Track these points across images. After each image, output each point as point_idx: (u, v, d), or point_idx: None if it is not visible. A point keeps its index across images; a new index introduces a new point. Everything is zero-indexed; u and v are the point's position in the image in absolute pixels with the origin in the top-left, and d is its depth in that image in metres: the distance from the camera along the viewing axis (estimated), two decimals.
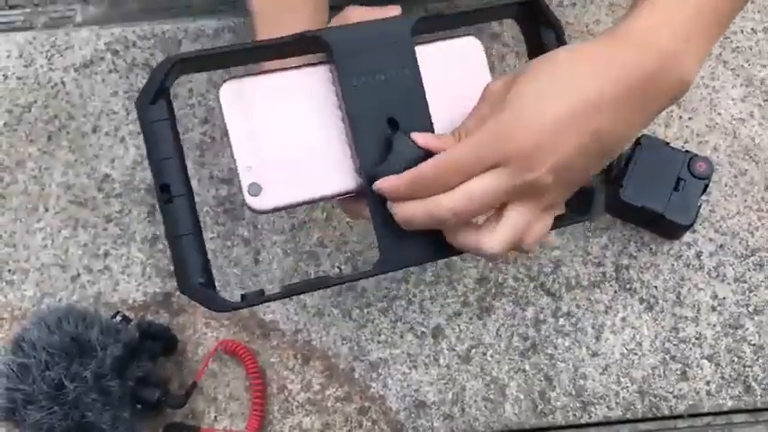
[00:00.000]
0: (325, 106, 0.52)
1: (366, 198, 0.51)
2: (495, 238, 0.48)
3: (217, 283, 0.75)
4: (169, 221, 0.49)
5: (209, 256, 0.76)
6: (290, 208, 0.51)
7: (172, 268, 0.76)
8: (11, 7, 0.96)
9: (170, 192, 0.49)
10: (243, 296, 0.51)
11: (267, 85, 0.51)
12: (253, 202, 0.50)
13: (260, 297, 0.51)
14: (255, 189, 0.50)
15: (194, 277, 0.50)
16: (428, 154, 0.49)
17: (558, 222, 0.53)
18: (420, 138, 0.50)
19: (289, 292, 0.53)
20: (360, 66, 0.51)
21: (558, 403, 0.72)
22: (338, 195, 0.52)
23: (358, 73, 0.51)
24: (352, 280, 0.55)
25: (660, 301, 0.74)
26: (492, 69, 0.82)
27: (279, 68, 0.52)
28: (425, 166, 0.47)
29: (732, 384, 0.72)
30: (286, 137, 0.51)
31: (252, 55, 0.52)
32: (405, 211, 0.48)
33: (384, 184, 0.48)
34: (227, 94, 0.50)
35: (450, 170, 0.46)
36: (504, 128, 0.46)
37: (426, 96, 0.52)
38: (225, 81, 0.50)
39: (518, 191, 0.46)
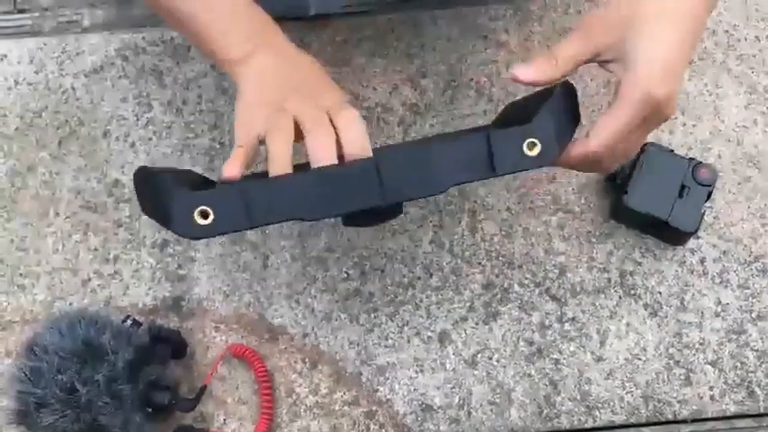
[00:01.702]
0: None
1: None
2: (618, 161, 0.59)
3: (225, 288, 0.77)
4: None
5: (217, 261, 0.77)
6: None
7: (181, 272, 0.77)
8: (19, 11, 0.97)
9: None
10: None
11: None
12: None
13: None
14: None
15: None
16: None
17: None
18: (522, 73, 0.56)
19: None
20: None
21: (563, 408, 0.73)
22: None
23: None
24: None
25: (664, 307, 0.75)
26: (498, 76, 0.83)
27: None
28: (597, 145, 0.55)
29: (735, 390, 0.73)
30: None
31: None
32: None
33: (563, 160, 0.57)
34: None
35: (614, 147, 0.55)
36: (644, 85, 0.53)
37: None
38: None
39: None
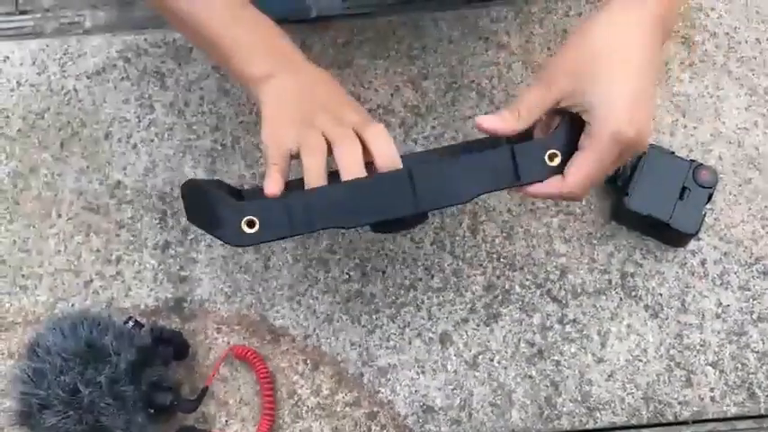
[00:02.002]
0: None
1: None
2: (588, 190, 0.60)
3: (227, 289, 0.77)
4: None
5: (218, 262, 0.77)
6: None
7: (183, 274, 0.77)
8: (21, 13, 0.97)
9: None
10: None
11: None
12: None
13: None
14: None
15: None
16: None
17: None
18: (485, 121, 0.58)
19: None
20: None
21: (564, 409, 0.73)
22: None
23: None
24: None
25: (665, 309, 0.75)
26: (499, 78, 0.83)
27: None
28: (573, 185, 0.57)
29: (736, 391, 0.73)
30: None
31: None
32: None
33: (536, 191, 0.59)
34: None
35: (590, 184, 0.58)
36: (613, 127, 0.55)
37: None
38: None
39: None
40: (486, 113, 0.60)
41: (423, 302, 0.76)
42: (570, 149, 0.58)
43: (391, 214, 0.58)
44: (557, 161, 0.58)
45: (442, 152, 0.73)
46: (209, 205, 0.60)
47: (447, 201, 0.58)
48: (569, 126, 0.58)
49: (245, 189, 0.73)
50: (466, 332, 0.75)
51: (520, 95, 0.60)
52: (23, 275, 0.78)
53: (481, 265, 0.77)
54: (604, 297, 0.76)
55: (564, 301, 0.76)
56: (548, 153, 0.57)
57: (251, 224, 0.57)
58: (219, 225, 0.58)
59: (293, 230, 0.57)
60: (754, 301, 0.75)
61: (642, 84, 0.56)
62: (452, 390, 0.74)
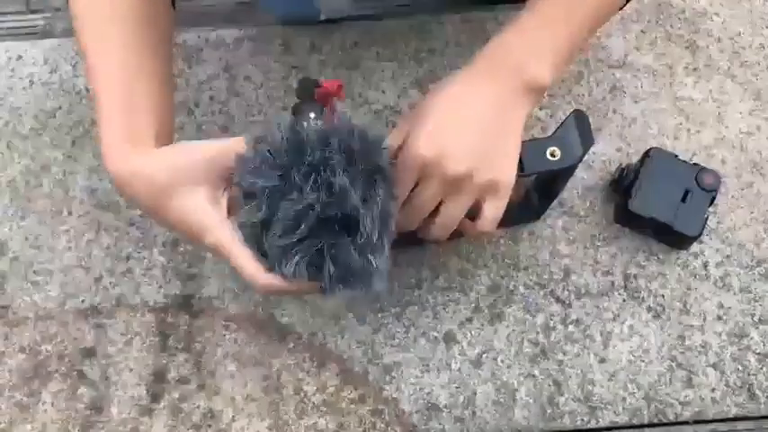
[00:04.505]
0: None
1: None
2: (436, 230, 0.63)
3: (235, 287, 0.78)
4: None
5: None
6: None
7: (191, 271, 0.78)
8: (32, 12, 0.98)
9: None
10: None
11: None
12: None
13: None
14: None
15: None
16: None
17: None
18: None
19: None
20: None
21: (567, 408, 0.74)
22: None
23: None
24: None
25: (667, 310, 0.76)
26: None
27: None
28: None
29: (737, 392, 0.74)
30: None
31: None
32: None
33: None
34: None
35: (421, 212, 0.62)
36: (410, 148, 0.59)
37: None
38: None
39: (448, 192, 0.60)
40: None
41: (428, 302, 0.77)
42: (568, 147, 0.64)
43: None
44: (558, 156, 0.64)
45: None
46: None
47: None
48: (566, 130, 0.64)
49: None
50: (470, 331, 0.76)
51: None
52: (35, 271, 0.79)
53: (486, 265, 0.78)
54: (607, 298, 0.77)
55: (567, 302, 0.77)
56: (549, 150, 0.64)
57: None
58: None
59: None
60: (756, 304, 0.76)
61: (448, 117, 0.60)
62: (456, 388, 0.74)
